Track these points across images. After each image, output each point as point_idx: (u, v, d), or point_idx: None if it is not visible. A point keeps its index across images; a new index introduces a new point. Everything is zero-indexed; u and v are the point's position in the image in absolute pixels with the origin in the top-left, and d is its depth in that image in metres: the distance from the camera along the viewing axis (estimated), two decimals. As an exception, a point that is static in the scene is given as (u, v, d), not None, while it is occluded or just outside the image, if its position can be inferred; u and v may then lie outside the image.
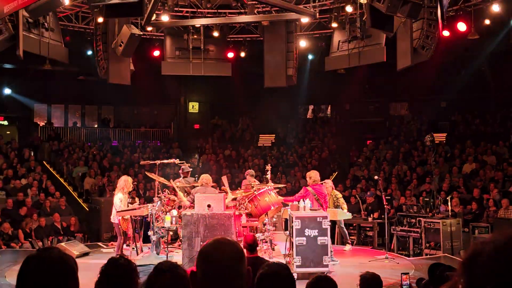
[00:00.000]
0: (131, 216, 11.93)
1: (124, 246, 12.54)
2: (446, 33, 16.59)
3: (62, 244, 13.79)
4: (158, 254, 12.13)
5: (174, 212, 11.99)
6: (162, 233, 12.37)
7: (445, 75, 22.54)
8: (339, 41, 18.05)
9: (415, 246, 14.10)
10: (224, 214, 10.23)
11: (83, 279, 2.49)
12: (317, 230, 10.13)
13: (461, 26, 16.38)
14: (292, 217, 10.49)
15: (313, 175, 12.08)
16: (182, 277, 2.96)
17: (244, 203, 11.58)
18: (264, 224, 11.87)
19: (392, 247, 14.38)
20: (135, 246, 12.31)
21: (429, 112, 24.81)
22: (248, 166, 21.99)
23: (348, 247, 14.01)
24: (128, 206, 12.09)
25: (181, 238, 12.36)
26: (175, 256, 11.67)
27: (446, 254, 12.95)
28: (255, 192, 11.61)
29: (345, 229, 14.19)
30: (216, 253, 2.20)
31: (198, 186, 12.08)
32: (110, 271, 3.52)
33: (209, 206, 10.17)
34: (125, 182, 12.10)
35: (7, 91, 24.39)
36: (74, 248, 13.17)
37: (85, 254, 13.44)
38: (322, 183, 12.45)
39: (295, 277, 9.50)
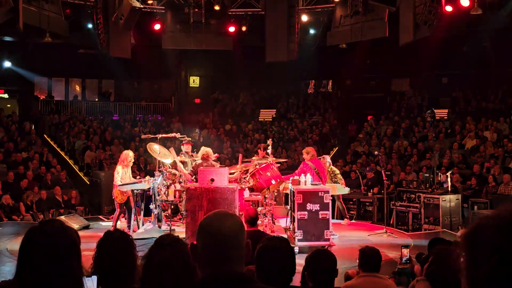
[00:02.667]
0: (132, 190, 11.98)
1: (123, 219, 12.64)
2: (449, 8, 16.48)
3: (62, 217, 13.82)
4: (160, 227, 12.22)
5: (178, 186, 12.02)
6: (164, 206, 12.46)
7: (447, 51, 22.39)
8: (341, 15, 17.97)
9: (414, 221, 14.17)
10: (228, 188, 10.25)
11: (82, 251, 2.51)
12: (318, 205, 10.18)
13: (464, 1, 16.25)
14: (293, 192, 10.53)
15: (310, 150, 12.30)
16: (182, 251, 2.99)
17: (246, 177, 11.62)
18: (265, 198, 11.92)
19: (391, 222, 14.45)
20: (137, 219, 12.38)
21: (430, 88, 24.72)
22: (250, 141, 22.02)
23: (345, 221, 14.08)
24: (129, 179, 12.17)
25: (182, 212, 12.44)
26: (176, 230, 11.74)
27: (445, 230, 13.02)
28: (257, 166, 11.65)
29: (343, 204, 14.28)
30: (216, 225, 2.21)
31: (198, 159, 12.11)
32: (107, 244, 3.56)
33: (212, 180, 10.19)
34: (124, 155, 12.23)
35: (7, 64, 24.27)
36: (74, 221, 13.21)
37: (85, 227, 13.50)
38: (319, 158, 12.60)
39: (296, 250, 9.62)
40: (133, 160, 12.51)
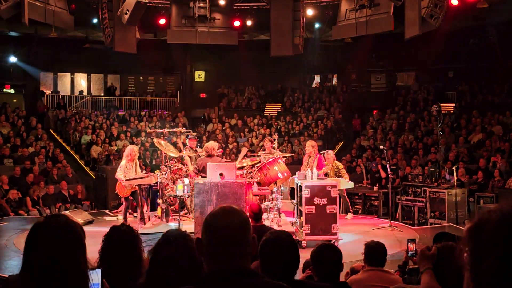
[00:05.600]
0: (139, 185, 12.02)
1: (128, 214, 12.69)
2: (455, 1, 16.42)
3: (67, 212, 13.86)
4: (167, 222, 12.25)
5: (186, 181, 12.03)
6: (171, 201, 12.49)
7: (453, 45, 22.34)
8: (347, 9, 17.90)
9: (420, 215, 14.15)
10: (236, 183, 10.25)
11: (88, 246, 2.53)
12: (326, 199, 10.18)
13: (470, -5, 16.18)
14: (301, 186, 10.54)
15: (315, 144, 12.51)
16: (188, 247, 2.99)
17: (252, 172, 11.63)
18: (272, 193, 11.94)
19: (397, 217, 14.44)
20: (142, 213, 12.41)
21: (436, 81, 24.66)
22: (255, 136, 22.01)
23: (349, 215, 14.08)
24: (135, 174, 12.22)
25: (188, 207, 12.46)
26: (184, 224, 11.73)
27: (450, 224, 13.00)
28: (264, 161, 11.65)
29: (347, 198, 14.29)
30: (221, 222, 2.21)
31: (203, 155, 12.11)
32: (113, 238, 3.58)
33: (221, 174, 10.20)
34: (129, 150, 12.30)
35: (13, 59, 24.33)
36: (78, 216, 13.20)
37: (89, 222, 13.50)
38: (323, 153, 12.90)
39: (304, 245, 9.63)
40: (137, 155, 12.54)
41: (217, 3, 18.70)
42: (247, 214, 7.22)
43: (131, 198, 12.31)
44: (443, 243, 3.44)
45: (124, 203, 12.40)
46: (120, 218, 13.58)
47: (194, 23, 18.84)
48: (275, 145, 12.49)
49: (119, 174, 12.08)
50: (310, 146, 12.51)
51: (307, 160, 12.60)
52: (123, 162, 12.29)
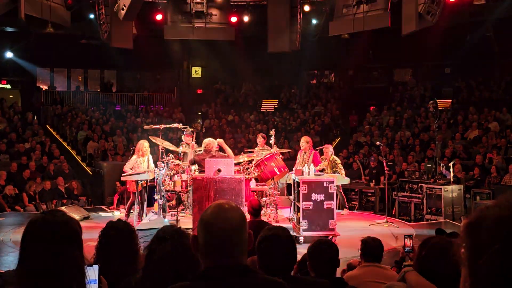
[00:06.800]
0: (136, 181, 12.01)
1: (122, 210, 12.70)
2: (452, -3, 16.41)
3: (62, 208, 13.80)
4: (164, 218, 12.24)
5: (184, 176, 12.02)
6: (169, 197, 12.48)
7: (450, 41, 22.34)
8: (344, 5, 17.88)
9: (417, 211, 14.17)
10: (235, 179, 10.23)
11: (85, 242, 2.52)
12: (323, 195, 10.19)
13: (467, -9, 16.19)
14: (298, 182, 10.54)
15: (309, 139, 12.56)
16: (184, 244, 2.99)
17: (250, 168, 11.62)
18: (270, 189, 11.94)
19: (393, 213, 14.46)
20: (141, 210, 12.41)
21: (433, 78, 24.67)
22: (252, 132, 22.00)
23: (345, 211, 14.09)
24: (148, 169, 12.23)
25: (184, 203, 12.45)
26: (181, 220, 11.72)
27: (447, 220, 13.03)
28: (261, 157, 11.65)
29: (343, 194, 14.30)
30: (217, 220, 2.19)
31: (200, 151, 12.09)
32: (109, 234, 3.57)
33: (219, 170, 10.19)
34: (139, 145, 12.31)
35: (9, 55, 24.25)
36: (74, 211, 13.16)
37: (86, 218, 13.48)
38: (319, 149, 12.96)
39: (302, 240, 9.64)
40: (148, 150, 12.53)
41: (214, -1, 18.67)
42: (247, 209, 7.25)
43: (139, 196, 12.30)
44: (422, 241, 3.47)
45: (131, 197, 12.40)
46: (116, 214, 13.56)
47: (191, 19, 18.81)
48: (272, 141, 12.46)
49: (126, 168, 12.10)
50: (305, 142, 12.58)
51: (302, 156, 12.62)
52: (133, 157, 12.32)
